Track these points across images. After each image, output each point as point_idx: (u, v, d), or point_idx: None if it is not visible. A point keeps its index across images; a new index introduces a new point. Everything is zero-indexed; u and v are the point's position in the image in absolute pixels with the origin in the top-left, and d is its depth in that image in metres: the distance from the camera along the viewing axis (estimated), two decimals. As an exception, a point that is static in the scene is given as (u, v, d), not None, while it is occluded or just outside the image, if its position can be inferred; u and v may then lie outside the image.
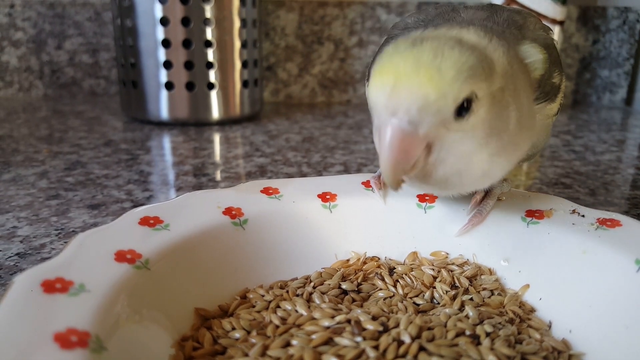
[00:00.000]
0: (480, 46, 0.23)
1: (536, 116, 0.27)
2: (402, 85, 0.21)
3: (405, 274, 0.29)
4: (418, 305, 0.27)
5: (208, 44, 0.67)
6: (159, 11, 0.65)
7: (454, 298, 0.27)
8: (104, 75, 0.92)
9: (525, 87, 0.26)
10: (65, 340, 0.18)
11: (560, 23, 0.75)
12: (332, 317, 0.24)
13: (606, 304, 0.24)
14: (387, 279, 0.29)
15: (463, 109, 0.22)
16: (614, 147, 0.63)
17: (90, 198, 0.44)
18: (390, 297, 0.27)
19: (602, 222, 0.28)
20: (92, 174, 0.50)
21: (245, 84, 0.72)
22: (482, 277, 0.29)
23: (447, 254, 0.31)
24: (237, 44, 0.70)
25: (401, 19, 0.32)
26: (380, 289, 0.28)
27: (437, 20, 0.29)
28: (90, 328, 0.19)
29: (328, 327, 0.24)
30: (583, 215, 0.29)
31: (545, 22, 0.61)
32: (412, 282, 0.29)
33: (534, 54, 0.27)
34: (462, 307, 0.26)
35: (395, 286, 0.28)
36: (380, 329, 0.23)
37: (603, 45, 0.90)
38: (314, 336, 0.23)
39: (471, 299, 0.27)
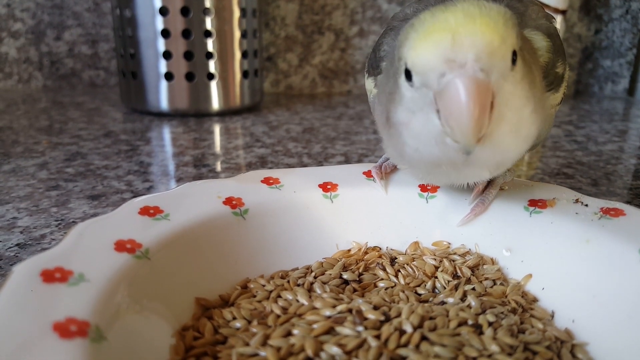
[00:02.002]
0: (505, 14, 0.22)
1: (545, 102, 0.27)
2: (464, 36, 0.20)
3: (407, 264, 0.29)
4: (420, 295, 0.27)
5: (208, 34, 0.67)
6: (158, 1, 0.65)
7: (456, 288, 0.27)
8: (103, 66, 0.91)
9: (537, 68, 0.25)
10: (64, 329, 0.18)
11: (563, 12, 0.75)
12: (334, 306, 0.24)
13: (609, 294, 0.24)
14: (389, 269, 0.29)
15: (513, 59, 0.22)
16: (616, 137, 0.63)
17: (90, 189, 0.43)
18: (392, 287, 0.27)
19: (606, 212, 0.28)
20: (92, 165, 0.50)
21: (245, 74, 0.72)
22: (485, 266, 0.29)
23: (449, 243, 0.30)
24: (237, 34, 0.69)
25: (400, 10, 0.31)
26: (382, 279, 0.28)
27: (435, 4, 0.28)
28: (90, 318, 0.19)
29: (329, 317, 0.23)
30: (586, 205, 0.29)
31: (547, 11, 0.60)
32: (414, 272, 0.29)
33: (538, 41, 0.27)
34: (464, 297, 0.26)
35: (396, 276, 0.28)
36: (382, 318, 0.23)
37: (605, 35, 0.89)
38: (315, 326, 0.23)
39: (473, 289, 0.27)
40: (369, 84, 0.31)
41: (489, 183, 0.30)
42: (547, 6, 0.72)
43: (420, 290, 0.27)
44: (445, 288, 0.27)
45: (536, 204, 0.29)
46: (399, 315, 0.23)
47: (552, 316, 0.25)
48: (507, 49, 0.21)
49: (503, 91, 0.21)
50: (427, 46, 0.21)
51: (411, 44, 0.22)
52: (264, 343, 0.22)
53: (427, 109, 0.22)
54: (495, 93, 0.21)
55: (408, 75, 0.22)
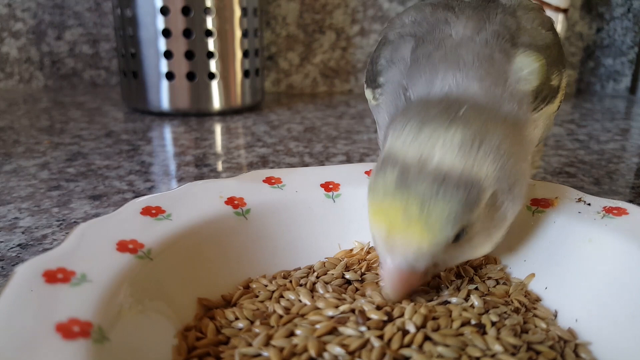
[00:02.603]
0: (466, 167, 0.22)
1: (536, 128, 0.27)
2: (396, 235, 0.22)
3: (409, 264, 0.29)
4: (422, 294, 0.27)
5: (209, 33, 0.67)
6: (159, 0, 0.65)
7: (459, 287, 0.27)
8: (104, 66, 0.91)
9: (519, 128, 0.25)
10: (67, 330, 0.18)
11: (564, 11, 0.75)
12: (336, 306, 0.24)
13: (613, 293, 0.24)
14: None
15: (458, 236, 0.23)
16: (618, 136, 0.63)
17: (92, 189, 0.43)
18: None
19: (609, 211, 0.28)
20: (93, 165, 0.50)
21: (246, 73, 0.72)
22: (487, 266, 0.29)
23: (452, 243, 0.30)
24: (238, 33, 0.69)
25: (397, 16, 0.31)
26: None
27: (430, 37, 0.28)
28: (93, 318, 0.19)
29: (332, 317, 0.23)
30: (589, 204, 0.29)
31: (548, 11, 0.60)
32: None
33: (528, 65, 0.26)
34: (467, 297, 0.26)
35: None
36: (385, 318, 0.23)
37: (607, 33, 0.89)
38: (318, 326, 0.23)
39: (476, 289, 0.27)
40: (368, 94, 0.31)
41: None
42: (549, 5, 0.72)
43: (423, 290, 0.27)
44: (448, 287, 0.27)
45: (539, 203, 0.29)
46: (402, 315, 0.23)
47: (555, 316, 0.25)
48: (440, 246, 0.22)
49: (447, 257, 0.24)
50: (372, 222, 0.23)
51: (369, 203, 0.23)
52: (266, 343, 0.22)
53: None
54: (435, 261, 0.23)
55: None
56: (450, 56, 0.26)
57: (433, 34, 0.28)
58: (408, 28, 0.29)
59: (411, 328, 0.22)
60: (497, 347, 0.21)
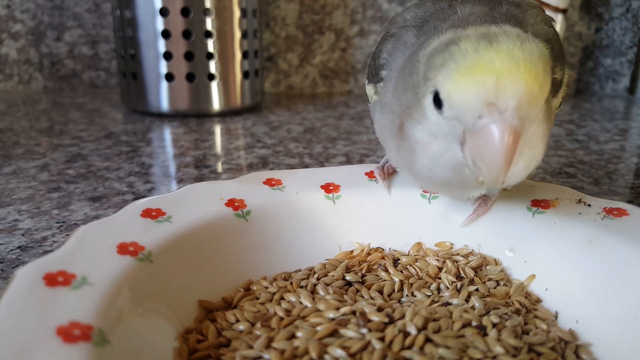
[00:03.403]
0: (537, 40, 0.22)
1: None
2: (508, 82, 0.20)
3: (410, 265, 0.29)
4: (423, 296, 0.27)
5: (208, 34, 0.67)
6: (158, 2, 0.65)
7: (459, 289, 0.27)
8: (103, 67, 0.91)
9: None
10: (68, 333, 0.18)
11: (563, 11, 0.75)
12: (337, 308, 0.24)
13: (613, 294, 0.24)
14: (392, 270, 0.28)
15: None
16: (618, 136, 0.63)
17: (92, 190, 0.43)
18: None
19: (609, 212, 0.28)
20: (93, 167, 0.50)
21: (245, 74, 0.72)
22: (488, 267, 0.29)
23: (452, 244, 0.30)
24: (238, 34, 0.69)
25: (399, 14, 0.31)
26: (385, 280, 0.28)
27: (434, 17, 0.28)
28: (93, 321, 0.19)
29: (333, 319, 0.23)
30: (589, 205, 0.29)
31: (547, 10, 0.60)
32: (417, 273, 0.28)
33: None
34: (467, 298, 0.26)
35: (399, 277, 0.28)
36: (386, 320, 0.23)
37: (606, 33, 0.89)
38: (319, 328, 0.23)
39: (477, 290, 0.27)
40: (369, 90, 0.31)
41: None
42: (548, 5, 0.72)
43: (424, 292, 0.27)
44: (448, 289, 0.27)
45: (539, 204, 0.29)
46: (402, 317, 0.23)
47: (556, 317, 0.25)
48: (544, 96, 0.21)
49: (528, 132, 0.22)
50: (468, 84, 0.20)
51: (450, 75, 0.21)
52: (267, 346, 0.22)
53: (451, 139, 0.22)
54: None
55: (437, 101, 0.22)
56: (459, 23, 0.26)
57: (437, 15, 0.28)
58: (410, 22, 0.29)
59: (412, 330, 0.22)
60: (498, 349, 0.22)
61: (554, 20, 0.30)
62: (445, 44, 0.22)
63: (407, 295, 0.27)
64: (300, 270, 0.29)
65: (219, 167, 0.50)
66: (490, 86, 0.20)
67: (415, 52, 0.25)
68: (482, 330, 0.23)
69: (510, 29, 0.22)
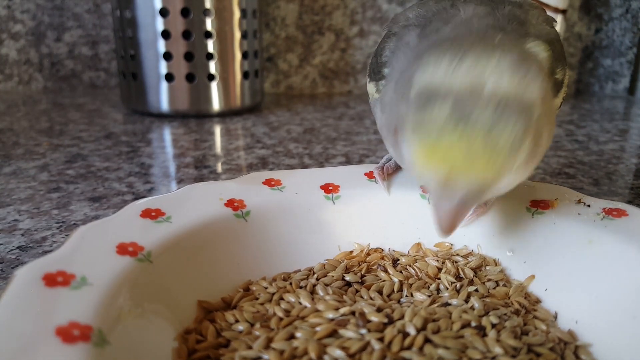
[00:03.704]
0: (520, 90, 0.21)
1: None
2: (458, 176, 0.21)
3: (409, 265, 0.29)
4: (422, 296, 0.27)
5: (208, 34, 0.67)
6: (158, 2, 0.65)
7: (458, 289, 0.27)
8: (103, 68, 0.91)
9: (549, 90, 0.25)
10: (67, 334, 0.18)
11: (563, 12, 0.75)
12: (336, 309, 0.24)
13: (613, 295, 0.24)
14: (391, 271, 0.28)
15: None
16: (617, 137, 0.63)
17: (91, 191, 0.43)
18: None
19: (608, 212, 0.28)
20: (92, 167, 0.50)
21: (245, 75, 0.72)
22: (487, 268, 0.29)
23: (452, 244, 0.30)
24: (237, 34, 0.69)
25: (401, 12, 0.31)
26: (384, 281, 0.28)
27: (437, 17, 0.28)
28: (93, 322, 0.19)
29: (332, 319, 0.23)
30: (589, 205, 0.29)
31: (547, 11, 0.60)
32: (417, 273, 0.28)
33: (538, 53, 0.26)
34: (467, 299, 0.26)
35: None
36: (385, 320, 0.23)
37: (606, 34, 0.89)
38: (318, 328, 0.23)
39: (476, 290, 0.27)
40: (371, 88, 0.31)
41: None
42: (548, 6, 0.72)
43: (423, 292, 0.27)
44: (447, 289, 0.27)
45: (538, 204, 0.29)
46: (402, 317, 0.23)
47: (555, 317, 0.25)
48: (501, 179, 0.21)
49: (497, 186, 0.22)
50: (425, 165, 0.21)
51: (413, 148, 0.21)
52: (266, 346, 0.22)
53: None
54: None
55: None
56: (462, 27, 0.25)
57: (440, 16, 0.28)
58: (412, 21, 0.29)
59: (411, 330, 0.22)
60: (498, 349, 0.22)
61: (555, 21, 0.30)
62: (425, 99, 0.21)
63: (406, 296, 0.27)
64: (299, 270, 0.29)
65: (219, 168, 0.50)
66: (442, 175, 0.21)
67: (415, 61, 0.24)
68: (481, 331, 0.23)
69: (497, 93, 0.20)
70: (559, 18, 0.74)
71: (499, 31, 0.25)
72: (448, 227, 0.22)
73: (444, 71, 0.21)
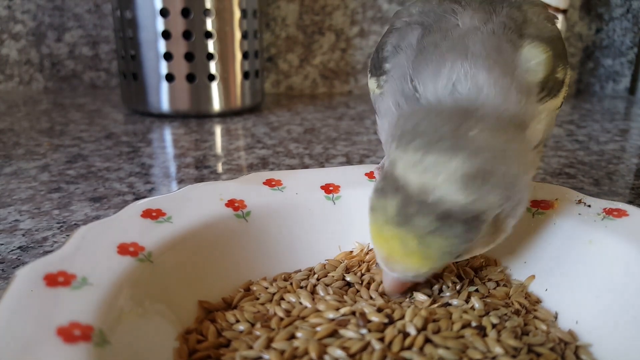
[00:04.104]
0: (469, 202, 0.22)
1: (539, 123, 0.27)
2: (395, 261, 0.23)
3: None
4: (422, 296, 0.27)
5: (208, 35, 0.67)
6: (158, 2, 0.65)
7: (459, 290, 0.27)
8: (104, 68, 0.91)
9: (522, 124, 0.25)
10: (68, 334, 0.18)
11: (564, 11, 0.75)
12: (337, 309, 0.24)
13: (613, 295, 0.24)
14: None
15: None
16: (618, 137, 0.63)
17: (92, 191, 0.43)
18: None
19: (609, 212, 0.28)
20: (93, 167, 0.50)
21: (246, 75, 0.72)
22: (488, 268, 0.29)
23: (452, 245, 0.30)
24: (238, 35, 0.69)
25: (404, 7, 0.31)
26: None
27: (437, 27, 0.28)
28: (94, 322, 0.19)
29: (333, 319, 0.23)
30: (589, 205, 0.29)
31: (549, 12, 0.60)
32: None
33: (535, 56, 0.26)
34: (467, 299, 0.26)
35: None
36: (386, 321, 0.23)
37: (606, 33, 0.89)
38: (318, 328, 0.23)
39: (476, 290, 0.27)
40: (372, 83, 0.31)
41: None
42: (548, 6, 0.72)
43: (424, 292, 0.27)
44: (448, 289, 0.27)
45: (539, 204, 0.29)
46: (402, 317, 0.23)
47: (556, 317, 0.25)
48: (435, 269, 0.23)
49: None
50: (374, 241, 0.24)
51: (370, 225, 0.24)
52: (267, 346, 0.22)
53: None
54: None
55: None
56: (458, 45, 0.26)
57: (440, 24, 0.28)
58: (415, 17, 0.29)
59: (412, 330, 0.22)
60: (498, 349, 0.22)
61: (557, 18, 0.30)
62: (384, 184, 0.23)
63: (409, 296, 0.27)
64: (300, 270, 0.29)
65: (219, 168, 0.50)
66: (384, 256, 0.23)
67: (394, 130, 0.25)
68: (481, 331, 0.23)
69: (450, 189, 0.21)
70: (559, 18, 0.74)
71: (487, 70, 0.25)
72: (391, 292, 0.26)
73: (405, 163, 0.22)
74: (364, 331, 0.22)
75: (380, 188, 0.23)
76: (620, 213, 0.27)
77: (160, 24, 0.65)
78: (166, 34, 0.66)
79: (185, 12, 0.65)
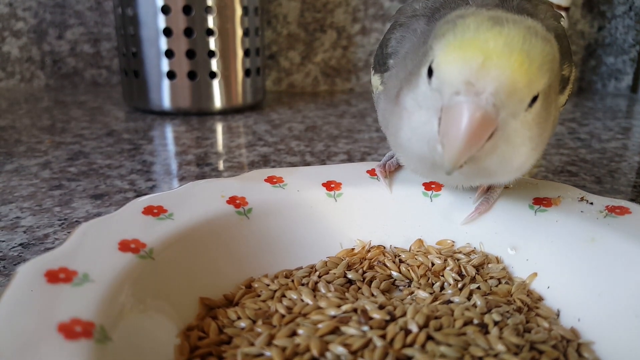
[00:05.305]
0: (548, 37, 0.22)
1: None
2: (493, 66, 0.20)
3: (411, 259, 0.29)
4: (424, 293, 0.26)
5: (210, 32, 0.67)
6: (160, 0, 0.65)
7: (461, 287, 0.27)
8: (105, 65, 0.91)
9: (555, 81, 0.25)
10: (69, 330, 0.18)
11: (566, 9, 0.75)
12: (338, 306, 0.24)
13: (615, 292, 0.24)
14: (392, 266, 0.28)
15: (533, 101, 0.22)
16: (620, 135, 0.63)
17: (93, 188, 0.43)
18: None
19: (611, 210, 0.28)
20: (94, 164, 0.50)
21: (247, 72, 0.72)
22: (489, 265, 0.29)
23: (454, 242, 0.30)
24: (239, 32, 0.69)
25: (408, 3, 0.31)
26: (387, 277, 0.28)
27: (445, 7, 0.28)
28: (95, 318, 0.19)
29: (334, 317, 0.23)
30: (591, 203, 0.28)
31: (555, 10, 0.60)
32: (418, 267, 0.28)
33: None
34: (469, 296, 0.26)
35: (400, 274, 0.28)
36: (387, 318, 0.23)
37: (609, 31, 0.89)
38: (320, 325, 0.23)
39: (478, 288, 0.27)
40: (375, 80, 0.31)
41: (493, 182, 0.30)
42: (551, 4, 0.72)
43: (426, 289, 0.27)
44: (450, 286, 0.27)
45: (541, 202, 0.29)
46: (404, 314, 0.23)
47: (558, 315, 0.25)
48: (529, 92, 0.21)
49: (507, 127, 0.21)
50: (456, 59, 0.20)
51: (444, 46, 0.21)
52: (269, 343, 0.22)
53: (432, 112, 0.22)
54: (499, 127, 0.21)
55: (430, 70, 0.22)
56: None
57: (448, 5, 0.27)
58: (420, 12, 0.29)
59: (413, 327, 0.22)
60: (500, 347, 0.21)
61: (562, 16, 0.30)
62: (456, 15, 0.22)
63: (410, 293, 0.27)
64: (301, 267, 0.29)
65: (221, 165, 0.50)
66: (475, 66, 0.20)
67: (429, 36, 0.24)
68: (483, 328, 0.23)
69: (526, 20, 0.21)
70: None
71: None
72: (471, 135, 0.20)
73: (467, 10, 0.22)
74: (365, 328, 0.22)
75: (446, 21, 0.22)
76: (623, 211, 0.27)
77: (161, 22, 0.65)
78: (167, 32, 0.66)
79: (186, 10, 0.65)
